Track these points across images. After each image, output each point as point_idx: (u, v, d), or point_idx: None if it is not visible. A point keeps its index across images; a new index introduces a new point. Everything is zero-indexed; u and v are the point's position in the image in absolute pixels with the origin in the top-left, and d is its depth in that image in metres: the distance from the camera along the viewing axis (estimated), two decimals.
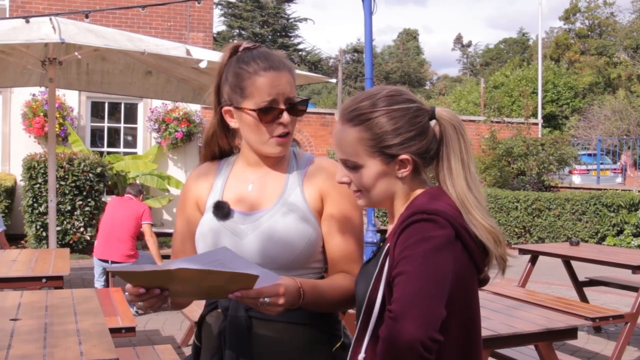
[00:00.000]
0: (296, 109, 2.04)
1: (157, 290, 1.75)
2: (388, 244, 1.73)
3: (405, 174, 1.80)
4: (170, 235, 10.55)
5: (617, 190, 14.75)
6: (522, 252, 7.72)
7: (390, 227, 1.85)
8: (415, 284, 1.55)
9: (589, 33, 49.11)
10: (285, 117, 2.02)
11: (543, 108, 28.86)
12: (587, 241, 13.86)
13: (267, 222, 1.99)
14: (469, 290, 1.72)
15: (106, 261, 7.83)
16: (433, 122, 1.81)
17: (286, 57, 2.10)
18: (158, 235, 9.16)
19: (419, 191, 1.82)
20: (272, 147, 2.04)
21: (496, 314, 4.41)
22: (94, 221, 12.22)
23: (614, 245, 13.52)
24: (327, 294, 1.95)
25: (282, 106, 2.01)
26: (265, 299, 1.74)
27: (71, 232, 12.18)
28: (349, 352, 1.79)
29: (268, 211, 2.01)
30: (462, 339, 1.69)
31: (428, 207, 1.69)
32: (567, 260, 7.51)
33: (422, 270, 1.57)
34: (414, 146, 1.77)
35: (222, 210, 2.05)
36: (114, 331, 4.53)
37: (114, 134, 15.49)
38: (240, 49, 2.08)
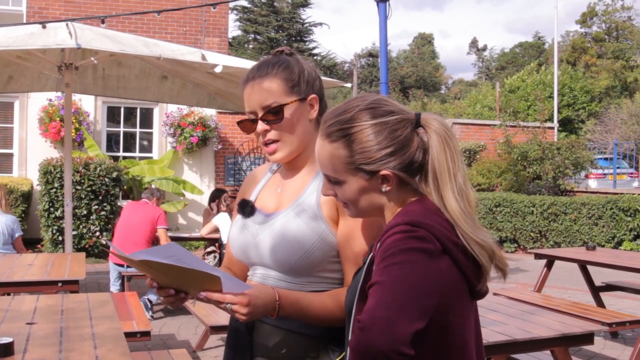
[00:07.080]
0: (268, 116, 1.99)
1: (155, 283, 1.77)
2: (372, 254, 1.67)
3: (389, 189, 1.73)
4: (185, 239, 10.55)
5: (634, 194, 14.61)
6: (538, 256, 7.68)
7: None
8: (388, 295, 1.48)
9: (606, 37, 48.87)
10: (259, 127, 2.01)
11: (559, 112, 28.70)
12: (603, 246, 13.76)
13: (277, 224, 1.98)
14: (452, 306, 1.61)
15: (122, 265, 7.86)
16: (420, 130, 1.73)
17: (278, 59, 2.04)
18: (173, 239, 9.18)
19: (409, 202, 1.75)
20: (268, 154, 2.06)
21: (512, 319, 4.39)
22: (109, 225, 12.27)
23: (631, 250, 13.40)
24: (312, 310, 1.88)
25: (254, 117, 2.02)
26: (228, 305, 1.72)
27: (87, 236, 12.24)
28: None
29: (280, 213, 2.01)
30: (438, 357, 1.60)
31: (412, 219, 1.61)
32: (583, 265, 7.46)
33: (395, 282, 1.50)
34: (395, 161, 1.69)
35: (245, 208, 2.10)
36: (130, 335, 4.55)
37: (129, 138, 15.56)
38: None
